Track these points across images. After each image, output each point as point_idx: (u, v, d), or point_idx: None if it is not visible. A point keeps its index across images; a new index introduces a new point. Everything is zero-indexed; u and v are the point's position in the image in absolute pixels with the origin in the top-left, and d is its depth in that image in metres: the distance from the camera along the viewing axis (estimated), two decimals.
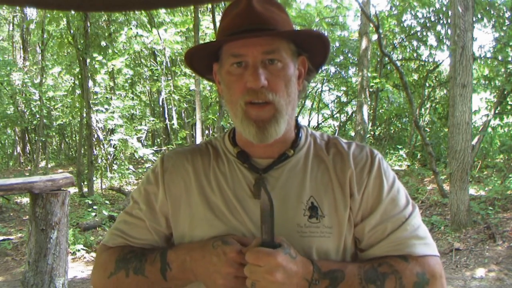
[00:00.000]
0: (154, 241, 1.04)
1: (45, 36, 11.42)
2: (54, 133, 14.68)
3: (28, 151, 15.20)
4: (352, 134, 12.99)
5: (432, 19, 11.40)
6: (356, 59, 12.78)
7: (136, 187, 1.12)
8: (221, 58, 0.98)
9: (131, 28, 9.91)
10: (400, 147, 11.54)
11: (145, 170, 10.72)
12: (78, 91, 10.36)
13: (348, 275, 0.90)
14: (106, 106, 9.86)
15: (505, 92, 9.33)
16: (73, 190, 8.44)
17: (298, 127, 1.05)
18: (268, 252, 0.85)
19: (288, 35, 0.97)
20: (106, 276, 1.02)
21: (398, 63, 10.38)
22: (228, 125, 9.67)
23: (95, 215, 7.10)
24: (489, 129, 9.89)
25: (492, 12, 9.42)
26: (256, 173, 1.00)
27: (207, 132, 11.82)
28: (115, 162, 10.65)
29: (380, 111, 13.63)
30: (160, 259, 0.98)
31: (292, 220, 0.95)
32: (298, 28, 12.49)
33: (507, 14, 9.63)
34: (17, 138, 15.82)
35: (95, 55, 8.83)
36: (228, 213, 0.98)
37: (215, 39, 1.01)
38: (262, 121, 0.93)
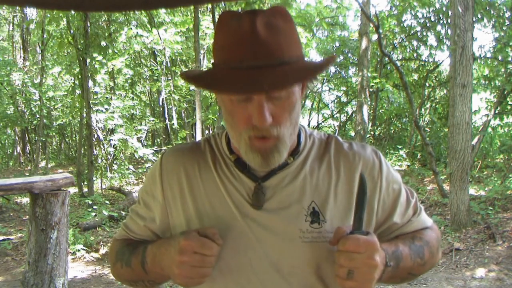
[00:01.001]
0: (151, 238, 1.08)
1: (45, 36, 11.40)
2: (54, 133, 14.66)
3: (28, 151, 15.20)
4: (352, 134, 12.99)
5: (432, 19, 11.40)
6: (356, 59, 12.78)
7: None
8: None
9: (131, 28, 9.90)
10: (400, 147, 11.54)
11: (145, 170, 10.72)
12: (78, 91, 10.35)
13: (403, 253, 0.97)
14: (106, 106, 9.85)
15: (505, 92, 9.32)
16: (73, 190, 8.44)
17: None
18: (368, 238, 0.87)
19: (301, 82, 0.91)
20: (112, 264, 1.12)
21: (398, 63, 10.38)
22: None
23: (95, 215, 7.10)
24: (489, 129, 9.89)
25: (492, 12, 9.42)
26: (255, 182, 0.97)
27: (207, 132, 11.81)
28: (115, 162, 10.65)
29: (380, 111, 13.63)
30: (141, 252, 1.02)
31: (294, 225, 0.95)
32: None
33: (507, 14, 9.63)
34: (17, 138, 15.82)
35: (95, 55, 8.82)
36: (228, 220, 0.97)
37: (213, 57, 0.91)
38: (265, 151, 0.90)
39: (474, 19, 6.75)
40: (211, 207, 0.98)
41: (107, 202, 8.21)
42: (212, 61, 0.92)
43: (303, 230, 0.94)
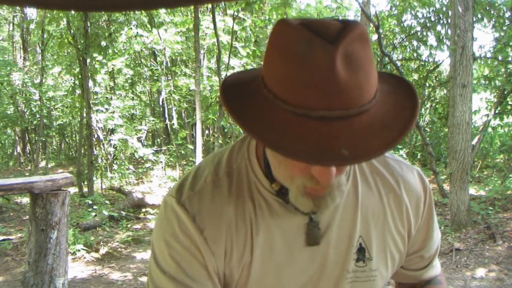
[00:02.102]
0: None
1: (45, 36, 11.41)
2: (54, 133, 14.67)
3: (28, 151, 15.20)
4: None
5: (432, 19, 11.40)
6: None
7: (158, 256, 0.82)
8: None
9: (131, 28, 9.91)
10: (400, 147, 11.53)
11: (145, 170, 10.72)
12: (78, 91, 10.36)
13: None
14: (106, 106, 9.86)
15: (505, 92, 9.32)
16: (73, 190, 8.43)
17: None
18: None
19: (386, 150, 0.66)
20: None
21: (398, 63, 10.38)
22: (228, 125, 9.67)
23: (95, 215, 7.10)
24: (489, 129, 9.89)
25: (492, 12, 9.41)
26: (305, 215, 0.81)
27: (207, 132, 11.82)
28: (115, 162, 10.65)
29: None
30: None
31: (342, 264, 0.84)
32: None
33: (507, 14, 9.63)
34: (17, 138, 15.82)
35: (95, 55, 8.83)
36: (278, 267, 0.83)
37: (268, 79, 0.68)
38: (319, 197, 0.74)
39: (474, 19, 6.75)
40: (260, 256, 0.82)
41: (107, 202, 8.20)
42: (263, 79, 0.69)
43: (348, 270, 0.84)
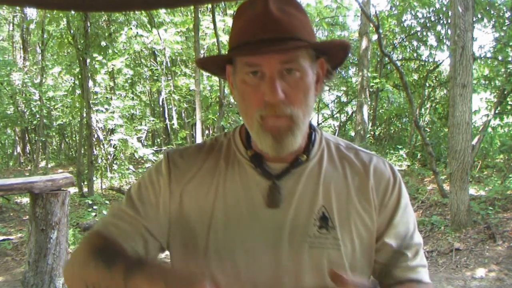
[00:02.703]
0: (140, 239, 0.94)
1: (45, 36, 11.41)
2: (54, 133, 14.67)
3: (28, 151, 15.20)
4: (352, 134, 12.99)
5: (432, 19, 11.41)
6: (356, 59, 12.77)
7: (133, 185, 1.03)
8: (235, 63, 0.92)
9: (131, 28, 9.91)
10: (400, 147, 11.53)
11: (145, 170, 10.70)
12: (78, 91, 10.36)
13: None
14: (106, 106, 9.85)
15: (505, 92, 9.32)
16: (73, 190, 8.43)
17: (311, 129, 0.99)
18: None
19: (307, 47, 0.88)
20: (83, 260, 0.91)
21: (398, 63, 10.38)
22: (228, 125, 9.67)
23: (95, 215, 7.10)
24: (489, 129, 9.89)
25: (492, 12, 9.41)
26: (269, 180, 0.94)
27: (207, 132, 11.81)
28: (115, 162, 10.65)
29: (380, 111, 13.63)
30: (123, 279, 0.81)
31: (303, 229, 0.92)
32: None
33: (507, 14, 9.63)
34: (17, 138, 15.81)
35: (95, 55, 8.83)
36: (240, 222, 0.93)
37: (228, 45, 0.92)
38: (278, 131, 0.87)
39: (474, 19, 6.75)
40: (222, 207, 0.94)
41: (107, 202, 8.21)
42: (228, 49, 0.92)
43: (311, 235, 0.92)
